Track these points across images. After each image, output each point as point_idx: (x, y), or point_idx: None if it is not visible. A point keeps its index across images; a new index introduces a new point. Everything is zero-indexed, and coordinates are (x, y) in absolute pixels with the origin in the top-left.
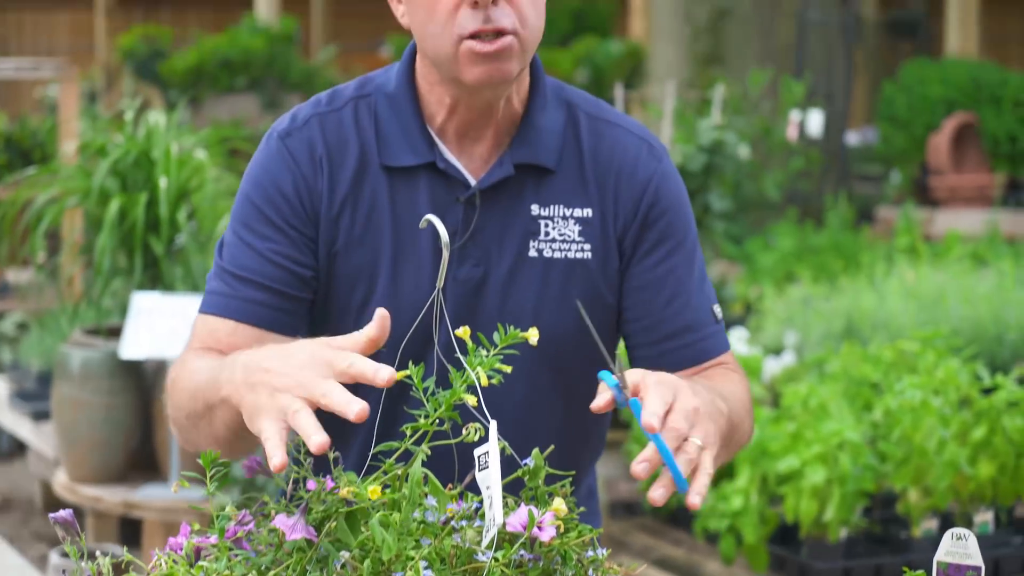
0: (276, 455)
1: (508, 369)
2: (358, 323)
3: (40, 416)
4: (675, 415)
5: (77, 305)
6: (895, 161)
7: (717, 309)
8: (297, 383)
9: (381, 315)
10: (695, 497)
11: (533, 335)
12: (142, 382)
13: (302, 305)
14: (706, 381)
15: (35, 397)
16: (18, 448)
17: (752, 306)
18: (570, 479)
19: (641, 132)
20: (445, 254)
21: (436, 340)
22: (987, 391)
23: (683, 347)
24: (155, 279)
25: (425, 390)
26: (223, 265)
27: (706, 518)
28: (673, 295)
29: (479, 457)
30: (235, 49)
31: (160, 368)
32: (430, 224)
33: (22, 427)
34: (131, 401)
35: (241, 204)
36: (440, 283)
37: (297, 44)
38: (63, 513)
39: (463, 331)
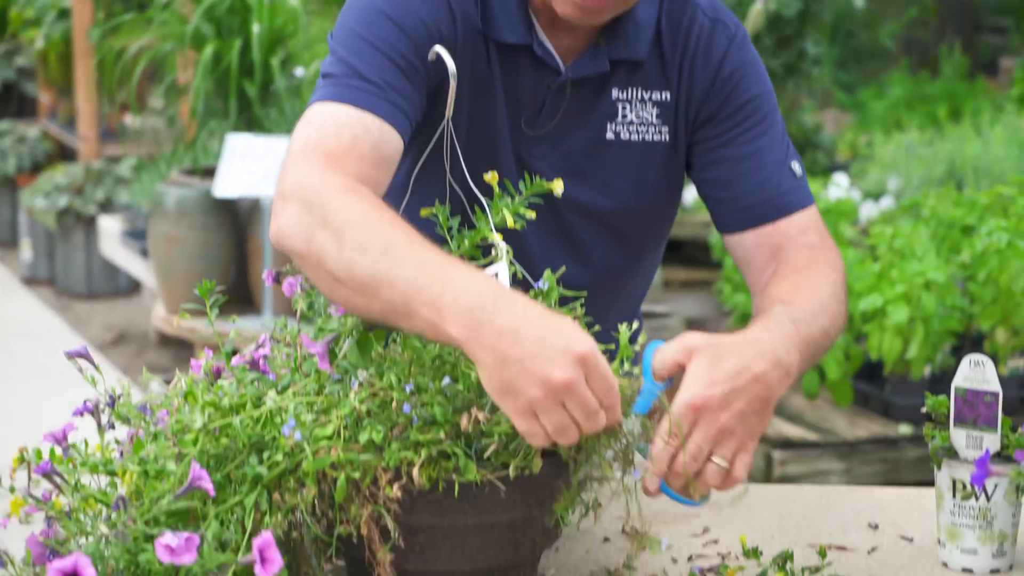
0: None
1: (532, 215)
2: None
3: (149, 254)
4: (684, 455)
5: (176, 147)
6: (1021, 10)
7: (796, 166)
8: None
9: None
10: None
11: (558, 186)
12: (237, 220)
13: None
14: (788, 294)
15: (145, 235)
16: (135, 285)
17: (859, 153)
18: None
19: (713, 10)
20: (452, 84)
21: (448, 169)
22: None
23: (758, 205)
24: (249, 122)
25: (448, 228)
26: (360, 70)
27: None
28: (754, 165)
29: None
30: None
31: (254, 207)
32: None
33: (134, 264)
34: (226, 238)
35: (380, 23)
36: (448, 112)
37: None
38: (78, 349)
39: (491, 176)
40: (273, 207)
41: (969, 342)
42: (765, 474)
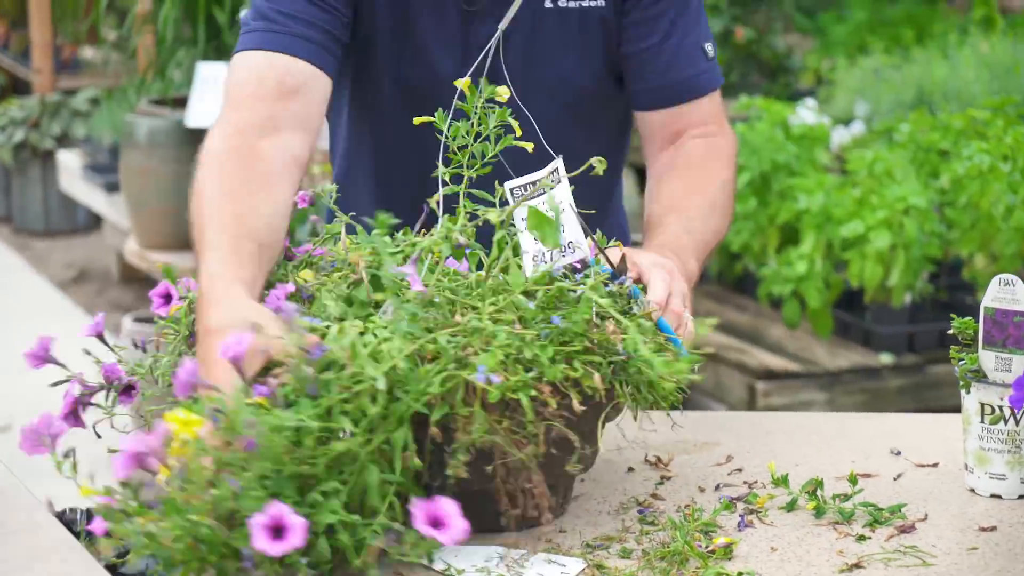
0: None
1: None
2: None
3: (113, 188)
4: (674, 299)
5: (144, 77)
6: None
7: (709, 47)
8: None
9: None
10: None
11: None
12: None
13: (341, 48)
14: (681, 198)
15: (107, 169)
16: (95, 222)
17: (823, 77)
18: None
19: None
20: None
21: (508, 80)
22: None
23: (671, 86)
24: (219, 50)
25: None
26: (264, 9)
27: (771, 283)
28: (672, 45)
29: (512, 190)
30: None
31: None
32: None
33: (96, 199)
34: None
35: None
36: (503, 24)
37: None
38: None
39: (502, 90)
40: None
41: (947, 269)
42: (749, 405)
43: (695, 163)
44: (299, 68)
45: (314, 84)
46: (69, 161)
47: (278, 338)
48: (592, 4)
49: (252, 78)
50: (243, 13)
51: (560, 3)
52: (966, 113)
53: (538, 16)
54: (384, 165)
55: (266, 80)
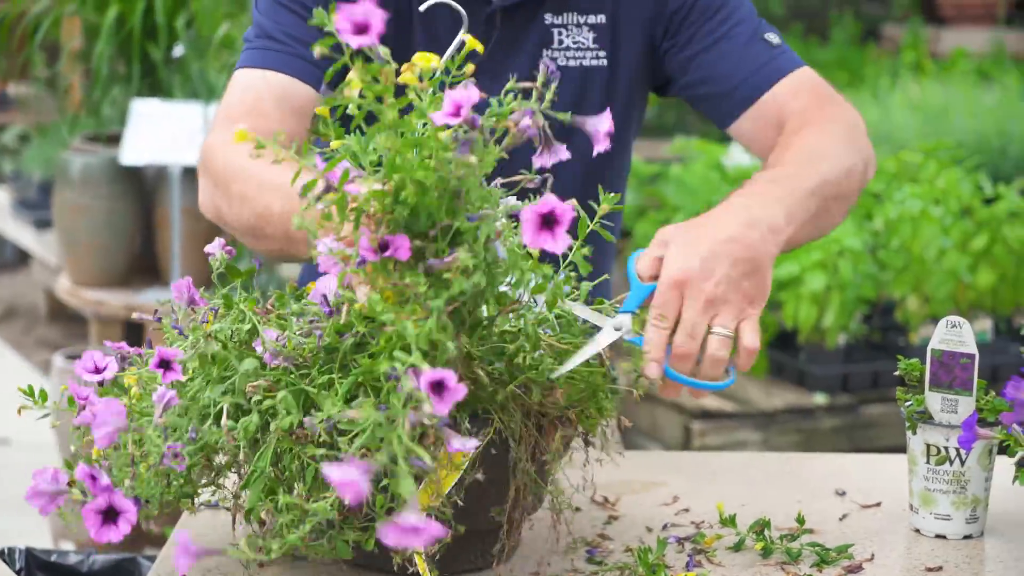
0: None
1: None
2: None
3: (42, 224)
4: (679, 335)
5: (77, 114)
6: None
7: (771, 36)
8: None
9: None
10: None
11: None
12: (143, 188)
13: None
14: (774, 160)
15: (37, 206)
16: (21, 259)
17: None
18: None
19: None
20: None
21: None
22: (988, 201)
23: (738, 87)
24: (154, 87)
25: None
26: (270, 28)
27: None
28: (723, 51)
29: None
30: None
31: (160, 174)
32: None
33: (25, 236)
34: (132, 207)
35: None
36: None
37: None
38: None
39: None
40: None
41: (880, 310)
42: (684, 445)
43: (791, 132)
44: (300, 90)
45: (310, 107)
46: None
47: None
48: (594, 63)
49: (249, 97)
50: (248, 31)
51: (560, 62)
52: (898, 156)
53: (535, 75)
54: None
55: (263, 99)
